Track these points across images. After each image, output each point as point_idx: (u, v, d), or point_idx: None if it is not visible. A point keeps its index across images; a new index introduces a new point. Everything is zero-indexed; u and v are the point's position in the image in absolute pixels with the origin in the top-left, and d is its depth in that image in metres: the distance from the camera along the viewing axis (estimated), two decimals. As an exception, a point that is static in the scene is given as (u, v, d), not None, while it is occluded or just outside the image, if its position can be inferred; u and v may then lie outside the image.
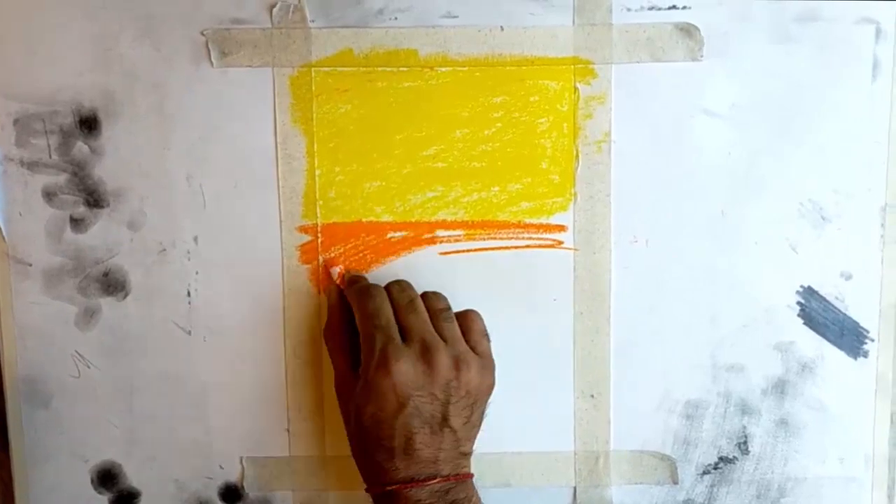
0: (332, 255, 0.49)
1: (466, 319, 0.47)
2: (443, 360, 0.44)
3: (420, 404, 0.43)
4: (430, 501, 0.43)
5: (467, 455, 0.45)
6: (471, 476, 0.45)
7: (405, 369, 0.43)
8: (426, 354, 0.44)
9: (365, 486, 0.45)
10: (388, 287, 0.47)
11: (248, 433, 0.51)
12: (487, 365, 0.46)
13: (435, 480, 0.43)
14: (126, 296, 0.50)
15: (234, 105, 0.48)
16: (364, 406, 0.44)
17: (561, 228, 0.50)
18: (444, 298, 0.47)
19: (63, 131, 0.48)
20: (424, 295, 0.47)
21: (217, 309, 0.50)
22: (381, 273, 0.49)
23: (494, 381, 0.46)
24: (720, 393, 0.51)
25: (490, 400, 0.46)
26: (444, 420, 0.44)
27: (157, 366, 0.50)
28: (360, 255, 0.50)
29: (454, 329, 0.46)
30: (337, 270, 0.49)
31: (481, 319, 0.47)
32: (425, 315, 0.46)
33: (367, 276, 0.49)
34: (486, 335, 0.47)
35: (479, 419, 0.46)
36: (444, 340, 0.45)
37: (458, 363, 0.44)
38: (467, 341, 0.46)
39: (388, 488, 0.43)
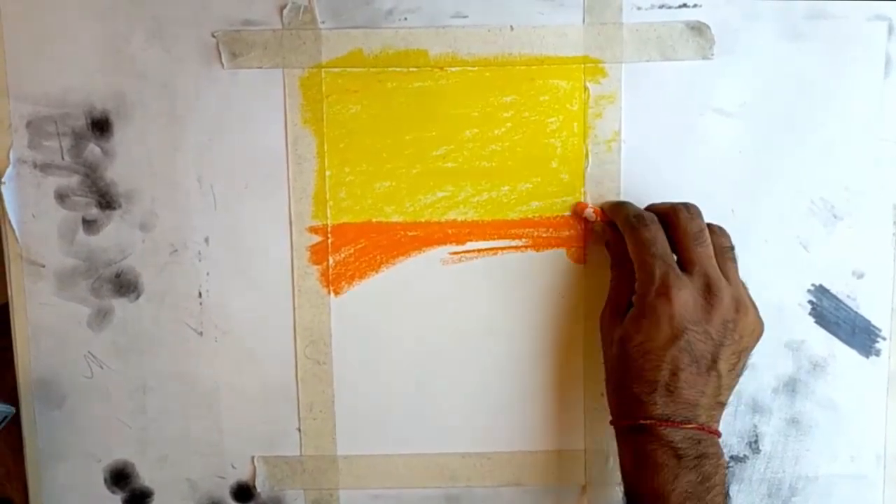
0: (342, 255, 0.50)
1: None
2: (725, 298, 0.42)
3: (693, 340, 0.42)
4: (683, 446, 0.41)
5: (723, 406, 0.44)
6: (720, 434, 0.43)
7: (686, 299, 0.42)
8: (709, 290, 0.42)
9: (610, 420, 0.44)
10: (676, 210, 0.45)
11: (259, 432, 0.51)
12: (758, 315, 0.44)
13: (691, 425, 0.42)
14: (138, 297, 0.50)
15: (244, 106, 0.48)
16: (634, 333, 0.43)
17: (570, 227, 0.50)
18: (729, 236, 0.46)
19: (75, 133, 0.49)
20: (710, 228, 0.45)
21: (228, 309, 0.50)
22: (390, 274, 0.50)
23: (763, 331, 0.44)
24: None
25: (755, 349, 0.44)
26: (714, 362, 0.42)
27: (169, 366, 0.50)
28: (370, 255, 0.50)
29: (736, 270, 0.44)
30: (590, 211, 0.48)
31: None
32: (711, 249, 0.44)
33: (380, 276, 0.49)
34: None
35: (742, 369, 0.44)
36: (727, 279, 0.43)
37: (738, 305, 0.43)
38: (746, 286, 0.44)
39: (643, 422, 0.42)
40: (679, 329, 0.42)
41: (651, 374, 0.42)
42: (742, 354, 0.44)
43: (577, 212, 0.48)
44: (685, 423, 0.42)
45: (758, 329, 0.44)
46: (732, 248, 0.46)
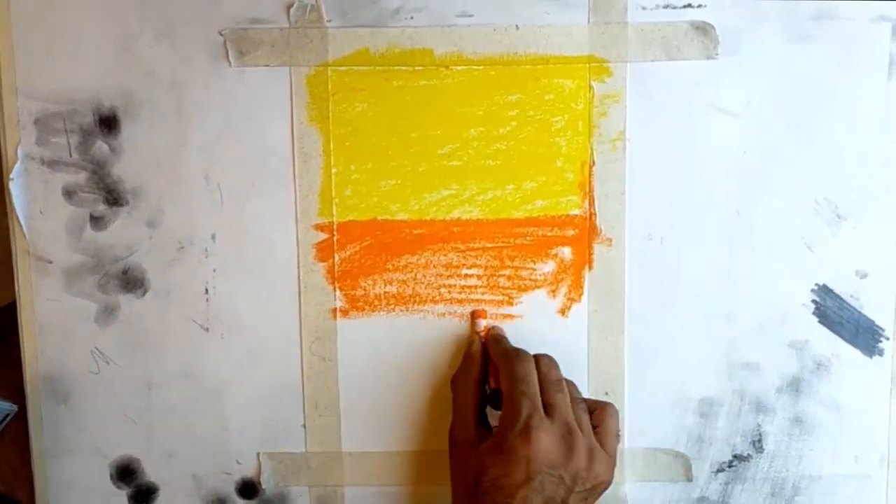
0: (347, 253, 0.50)
1: (604, 414, 0.46)
2: (581, 447, 0.44)
3: (547, 482, 0.43)
4: None
5: None
6: None
7: (546, 444, 0.43)
8: (568, 437, 0.44)
9: None
10: (538, 358, 0.47)
11: (264, 429, 0.51)
12: (612, 465, 0.46)
13: None
14: (145, 293, 0.50)
15: (251, 104, 0.49)
16: (490, 467, 0.43)
17: (575, 226, 0.50)
18: (577, 388, 0.48)
19: (83, 130, 0.49)
20: (539, 359, 0.47)
21: (234, 306, 0.50)
22: (397, 268, 0.50)
23: (612, 481, 0.46)
24: (735, 391, 0.51)
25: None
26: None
27: (175, 362, 0.51)
28: (376, 252, 0.50)
29: (588, 420, 0.46)
30: (483, 323, 0.49)
31: (617, 417, 0.47)
32: (569, 398, 0.46)
33: (385, 274, 0.50)
34: (618, 435, 0.47)
35: None
36: (581, 429, 0.45)
37: (591, 455, 0.44)
38: (598, 434, 0.46)
39: None
40: (535, 471, 0.43)
41: None
42: (589, 498, 0.45)
43: (475, 315, 0.49)
44: None
45: (607, 476, 0.45)
46: (583, 400, 0.47)
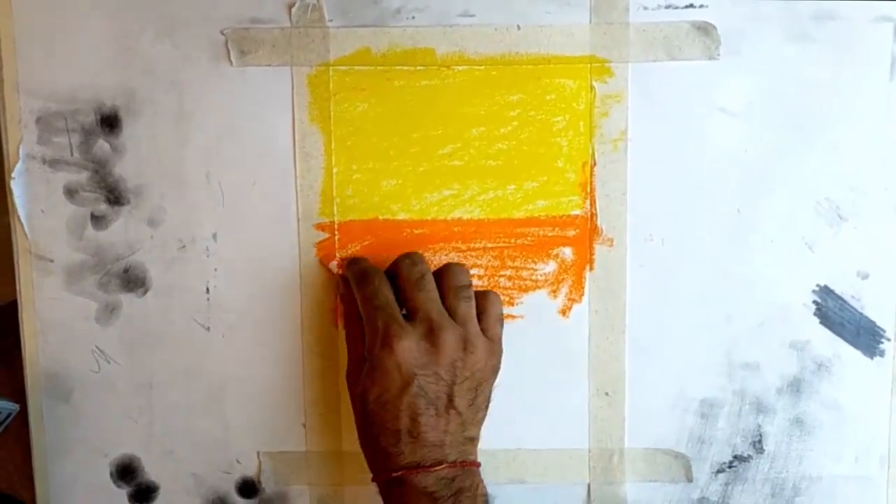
0: (349, 252, 0.50)
1: (484, 301, 0.46)
2: (448, 339, 0.43)
3: (425, 384, 0.43)
4: (436, 489, 0.42)
5: (473, 441, 0.45)
6: (477, 465, 0.44)
7: (408, 346, 0.43)
8: (431, 334, 0.43)
9: (371, 477, 0.45)
10: (398, 261, 0.47)
11: (265, 428, 0.51)
12: (494, 349, 0.45)
13: (441, 466, 0.42)
14: (146, 292, 0.50)
15: (252, 103, 0.49)
16: (370, 387, 0.43)
17: (576, 226, 0.50)
18: (466, 274, 0.47)
19: (84, 129, 0.49)
20: (447, 268, 0.47)
21: (235, 305, 0.50)
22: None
23: (500, 364, 0.46)
24: (735, 391, 0.51)
25: (496, 384, 0.46)
26: (450, 401, 0.43)
27: (176, 361, 0.51)
28: (377, 252, 0.50)
29: (467, 308, 0.45)
30: (335, 263, 0.49)
31: (499, 303, 0.47)
32: (434, 293, 0.45)
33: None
34: (501, 320, 0.47)
35: (484, 402, 0.45)
36: (455, 319, 0.44)
37: (465, 344, 0.44)
38: (480, 322, 0.45)
39: (395, 474, 0.42)
40: (408, 376, 0.43)
41: (392, 423, 0.43)
42: (479, 389, 0.44)
43: (324, 260, 0.49)
44: (435, 466, 0.42)
45: (490, 362, 0.45)
46: (467, 286, 0.46)
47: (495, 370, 0.46)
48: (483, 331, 0.45)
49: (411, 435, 0.43)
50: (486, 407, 0.46)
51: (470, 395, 0.44)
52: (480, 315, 0.46)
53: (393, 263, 0.48)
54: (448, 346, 0.43)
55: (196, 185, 0.49)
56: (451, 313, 0.45)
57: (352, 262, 0.49)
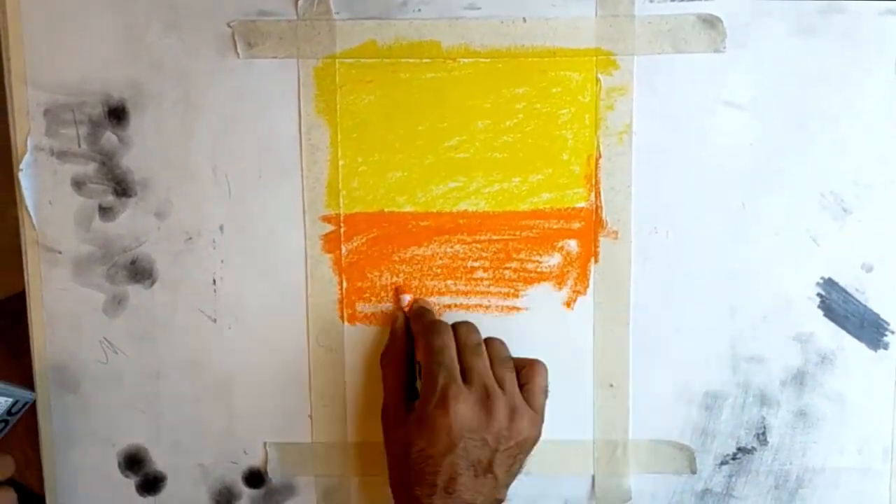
0: (353, 244, 0.50)
1: (531, 371, 0.47)
2: (500, 408, 0.44)
3: (470, 447, 0.44)
4: None
5: (501, 502, 0.46)
6: None
7: (463, 411, 0.44)
8: (486, 400, 0.44)
9: None
10: (454, 326, 0.48)
11: (271, 419, 0.51)
12: (537, 421, 0.46)
13: None
14: (153, 283, 0.50)
15: (259, 96, 0.49)
16: (415, 440, 0.44)
17: (581, 219, 0.50)
18: (506, 347, 0.48)
19: (92, 121, 0.49)
20: (488, 340, 0.48)
21: (242, 297, 0.50)
22: (404, 259, 0.50)
23: (540, 434, 0.47)
24: (739, 384, 0.51)
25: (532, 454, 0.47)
26: (489, 466, 0.44)
27: (183, 352, 0.51)
28: (382, 244, 0.50)
29: (512, 379, 0.46)
30: (407, 298, 0.50)
31: (545, 374, 0.47)
32: (487, 361, 0.46)
33: (391, 265, 0.50)
34: (546, 391, 0.47)
35: (518, 469, 0.46)
36: (502, 388, 0.45)
37: (513, 414, 0.45)
38: (526, 391, 0.46)
39: None
40: (457, 439, 0.44)
41: (431, 478, 0.43)
42: (517, 457, 0.46)
43: (398, 291, 0.50)
44: None
45: (532, 434, 0.46)
46: (509, 358, 0.48)
47: (536, 441, 0.47)
48: (526, 400, 0.46)
49: (447, 491, 0.43)
50: (519, 473, 0.46)
51: (508, 462, 0.45)
52: (526, 385, 0.47)
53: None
54: (499, 414, 0.44)
55: (203, 178, 0.50)
56: (499, 382, 0.46)
57: (423, 311, 0.49)
